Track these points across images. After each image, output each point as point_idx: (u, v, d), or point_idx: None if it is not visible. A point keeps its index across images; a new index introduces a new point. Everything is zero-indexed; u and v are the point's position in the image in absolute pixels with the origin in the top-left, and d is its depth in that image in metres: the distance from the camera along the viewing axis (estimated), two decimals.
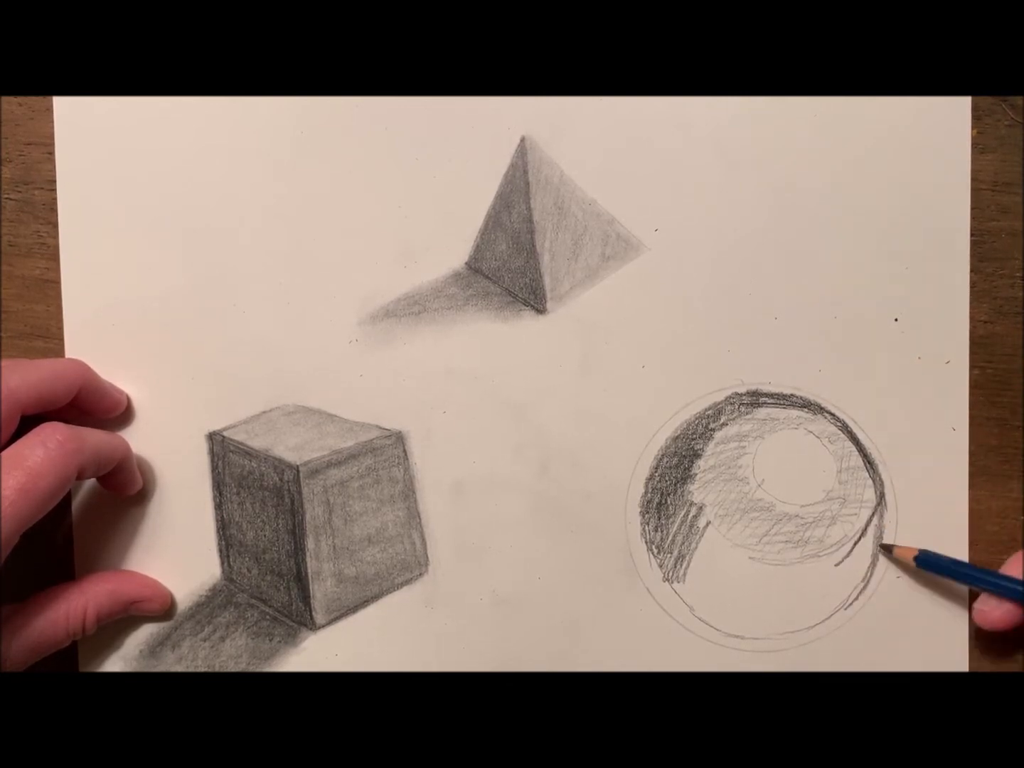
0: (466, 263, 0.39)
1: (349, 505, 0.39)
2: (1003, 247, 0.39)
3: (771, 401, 0.39)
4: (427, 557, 0.39)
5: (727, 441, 0.39)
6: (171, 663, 0.39)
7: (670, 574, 0.39)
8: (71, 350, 0.38)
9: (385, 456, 0.39)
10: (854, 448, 0.39)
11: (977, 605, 0.37)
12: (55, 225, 0.38)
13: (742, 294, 0.39)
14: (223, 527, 0.39)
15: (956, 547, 0.38)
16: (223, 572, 0.39)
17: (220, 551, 0.39)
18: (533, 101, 0.38)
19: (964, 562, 0.38)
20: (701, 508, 0.39)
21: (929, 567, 0.38)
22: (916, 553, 0.37)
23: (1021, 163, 0.38)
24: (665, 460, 0.39)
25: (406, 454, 0.39)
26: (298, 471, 0.37)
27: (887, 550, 0.38)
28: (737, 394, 0.39)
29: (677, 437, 0.39)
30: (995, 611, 0.36)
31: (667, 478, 0.39)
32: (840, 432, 0.39)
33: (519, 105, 0.38)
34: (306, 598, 0.38)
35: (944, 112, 0.38)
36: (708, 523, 0.39)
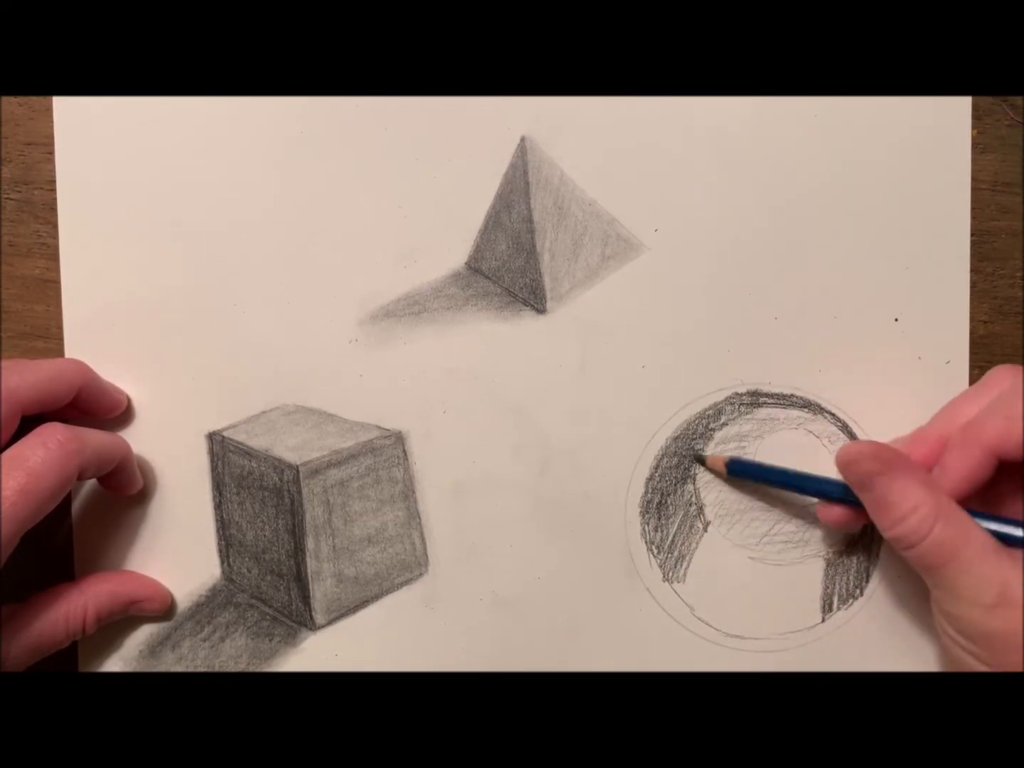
0: (466, 263, 0.39)
1: (349, 505, 0.39)
2: (1003, 247, 0.39)
3: (771, 401, 0.39)
4: (427, 557, 0.39)
5: (727, 441, 0.39)
6: (171, 663, 0.39)
7: (670, 574, 0.39)
8: (71, 350, 0.38)
9: (385, 456, 0.39)
10: None
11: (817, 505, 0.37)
12: (55, 225, 0.38)
13: (742, 294, 0.39)
14: (223, 527, 0.39)
15: None
16: (223, 572, 0.39)
17: (220, 551, 0.39)
18: (533, 101, 0.38)
19: (774, 467, 0.38)
20: (701, 508, 0.39)
21: (740, 474, 0.38)
22: (727, 461, 0.38)
23: (1021, 163, 0.38)
24: (665, 460, 0.39)
25: (406, 454, 0.39)
26: (298, 471, 0.37)
27: (700, 461, 0.39)
28: (737, 394, 0.39)
29: (677, 437, 0.39)
30: (831, 511, 0.36)
31: (667, 478, 0.39)
32: (840, 432, 0.39)
33: (519, 105, 0.38)
34: (306, 598, 0.38)
35: (944, 112, 0.38)
36: (708, 523, 0.39)
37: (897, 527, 0.33)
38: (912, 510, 0.32)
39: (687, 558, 0.39)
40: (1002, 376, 0.35)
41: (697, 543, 0.39)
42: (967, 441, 0.33)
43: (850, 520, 0.36)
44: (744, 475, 0.38)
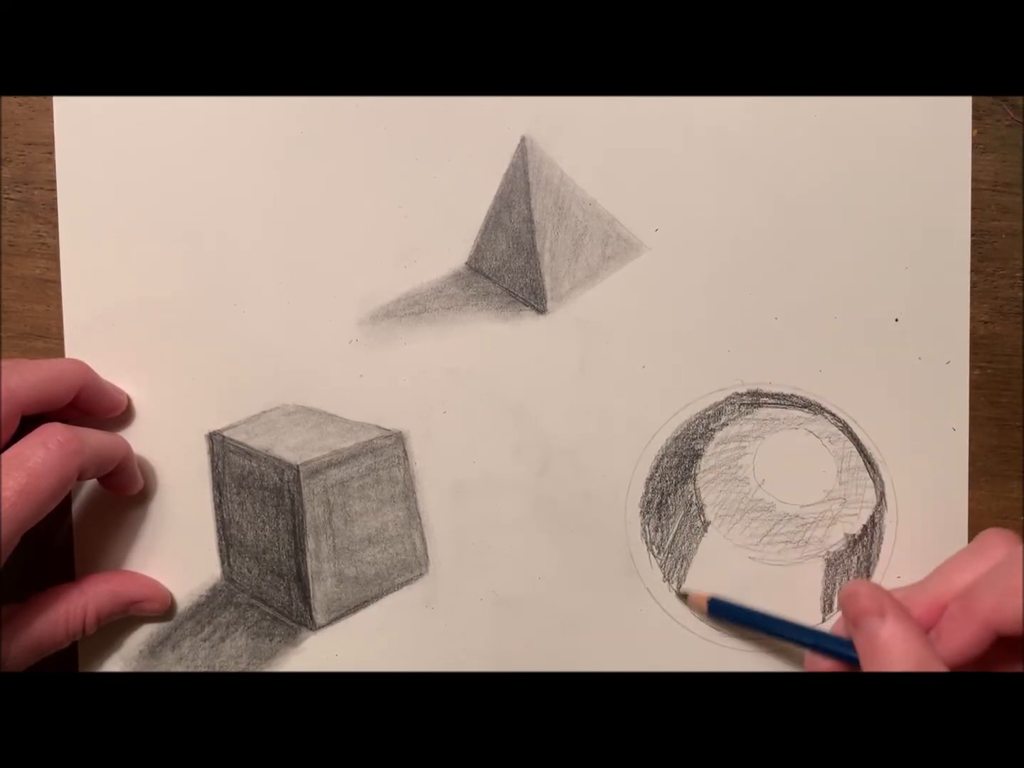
0: (466, 263, 0.39)
1: (349, 505, 0.39)
2: (1003, 247, 0.39)
3: (771, 401, 0.39)
4: (427, 557, 0.39)
5: (727, 441, 0.39)
6: (171, 663, 0.39)
7: (670, 574, 0.39)
8: (71, 350, 0.38)
9: (385, 456, 0.39)
10: (854, 448, 0.39)
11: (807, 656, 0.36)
12: (55, 225, 0.38)
13: (742, 294, 0.39)
14: (223, 527, 0.39)
15: (956, 547, 0.38)
16: (223, 572, 0.39)
17: (220, 551, 0.39)
18: (533, 101, 0.38)
19: (756, 612, 0.37)
20: (701, 508, 0.39)
21: (721, 614, 0.38)
22: (708, 599, 0.38)
23: (1021, 163, 0.38)
24: (665, 460, 0.39)
25: (406, 454, 0.39)
26: (298, 471, 0.37)
27: (683, 598, 0.39)
28: (737, 394, 0.39)
29: (677, 437, 0.39)
30: (819, 663, 0.35)
31: (667, 478, 0.39)
32: (840, 432, 0.39)
33: (519, 105, 0.38)
34: (306, 598, 0.38)
35: (944, 112, 0.38)
36: (708, 523, 0.39)
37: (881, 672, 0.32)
38: (899, 661, 0.32)
39: (687, 558, 0.39)
40: (996, 543, 0.34)
41: (697, 543, 0.39)
42: (964, 615, 0.33)
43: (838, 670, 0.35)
44: (725, 616, 0.38)
